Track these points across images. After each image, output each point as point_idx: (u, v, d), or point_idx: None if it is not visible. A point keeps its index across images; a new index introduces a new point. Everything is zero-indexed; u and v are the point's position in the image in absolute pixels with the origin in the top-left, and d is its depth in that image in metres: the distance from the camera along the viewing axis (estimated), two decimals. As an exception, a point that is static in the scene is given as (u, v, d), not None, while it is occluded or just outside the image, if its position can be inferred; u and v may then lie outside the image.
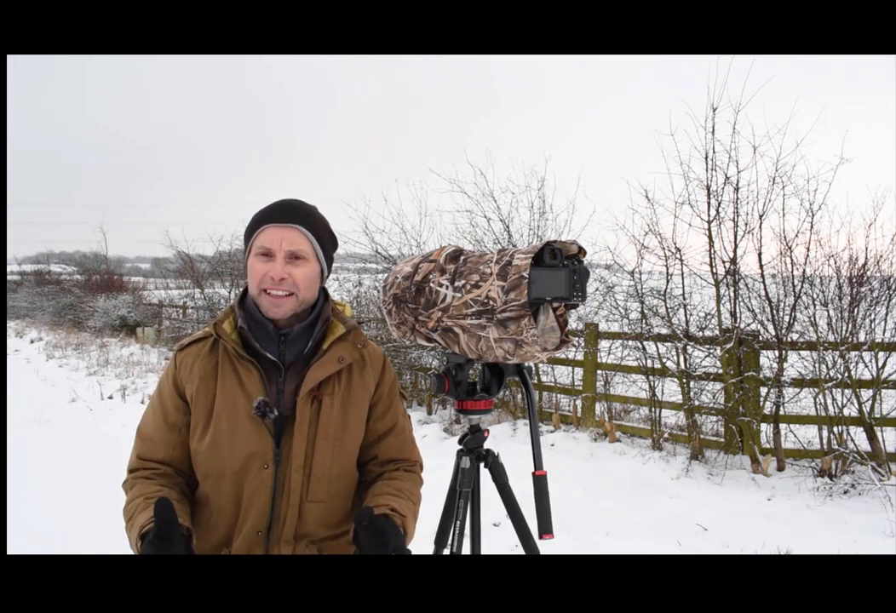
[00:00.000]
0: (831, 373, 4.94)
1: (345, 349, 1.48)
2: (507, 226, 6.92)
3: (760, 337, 5.22)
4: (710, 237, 5.38)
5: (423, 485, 1.59)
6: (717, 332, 5.39)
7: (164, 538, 1.16)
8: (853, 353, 4.87)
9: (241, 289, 1.52)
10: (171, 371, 1.47)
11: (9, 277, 26.83)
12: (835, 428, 4.92)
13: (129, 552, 1.31)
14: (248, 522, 1.39)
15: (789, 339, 5.13)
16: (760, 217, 5.24)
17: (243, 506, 1.39)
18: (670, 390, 5.88)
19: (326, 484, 1.43)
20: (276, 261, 1.40)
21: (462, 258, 1.64)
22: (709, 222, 5.36)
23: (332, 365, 1.45)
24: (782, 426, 5.22)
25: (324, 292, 1.54)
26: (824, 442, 5.00)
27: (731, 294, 5.32)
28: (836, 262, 5.11)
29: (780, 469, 5.11)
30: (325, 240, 1.49)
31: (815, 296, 5.11)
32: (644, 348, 5.82)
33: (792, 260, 5.16)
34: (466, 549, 1.70)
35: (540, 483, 1.54)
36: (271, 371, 1.43)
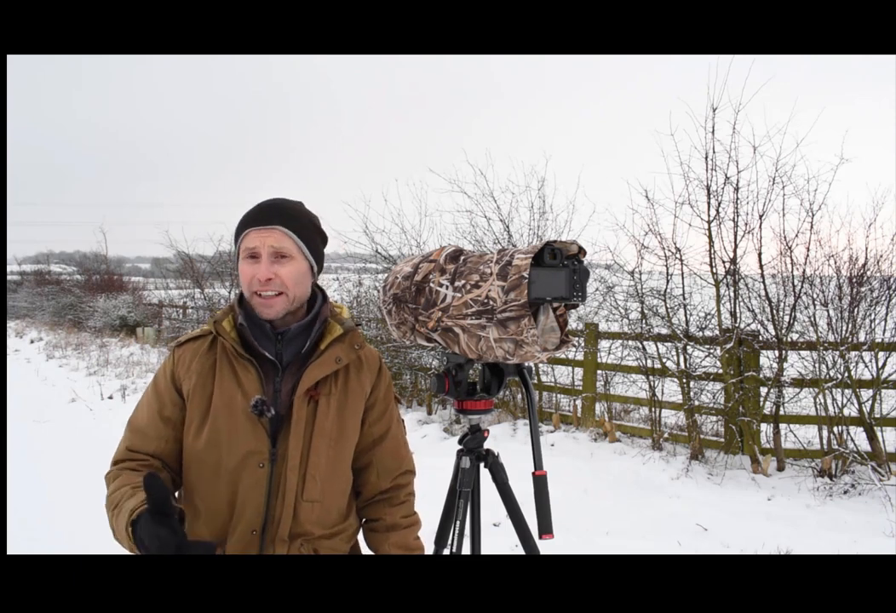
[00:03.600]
0: (831, 373, 4.94)
1: (342, 350, 1.47)
2: (507, 226, 6.92)
3: (760, 337, 5.22)
4: (710, 237, 5.38)
5: (415, 497, 1.63)
6: (717, 332, 5.39)
7: (161, 513, 1.14)
8: (853, 353, 4.87)
9: (239, 289, 1.52)
10: (168, 365, 1.47)
11: (9, 277, 26.82)
12: (835, 428, 4.92)
13: (127, 553, 1.30)
14: (243, 521, 1.38)
15: (789, 339, 5.13)
16: (760, 217, 5.24)
17: (238, 505, 1.39)
18: (670, 390, 5.88)
19: (321, 484, 1.43)
20: (262, 262, 1.40)
21: (462, 258, 1.64)
22: (709, 222, 5.36)
23: (329, 366, 1.44)
24: (782, 426, 5.22)
25: (321, 292, 1.54)
26: (824, 442, 5.00)
27: (731, 294, 5.32)
28: (836, 262, 5.11)
29: (780, 469, 5.11)
30: (311, 235, 1.47)
31: (815, 296, 5.11)
32: (644, 348, 5.82)
33: (792, 260, 5.16)
34: (466, 549, 1.70)
35: (540, 483, 1.54)
36: (269, 370, 1.43)
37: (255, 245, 1.41)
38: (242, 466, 1.38)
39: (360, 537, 1.61)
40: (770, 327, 5.22)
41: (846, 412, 4.93)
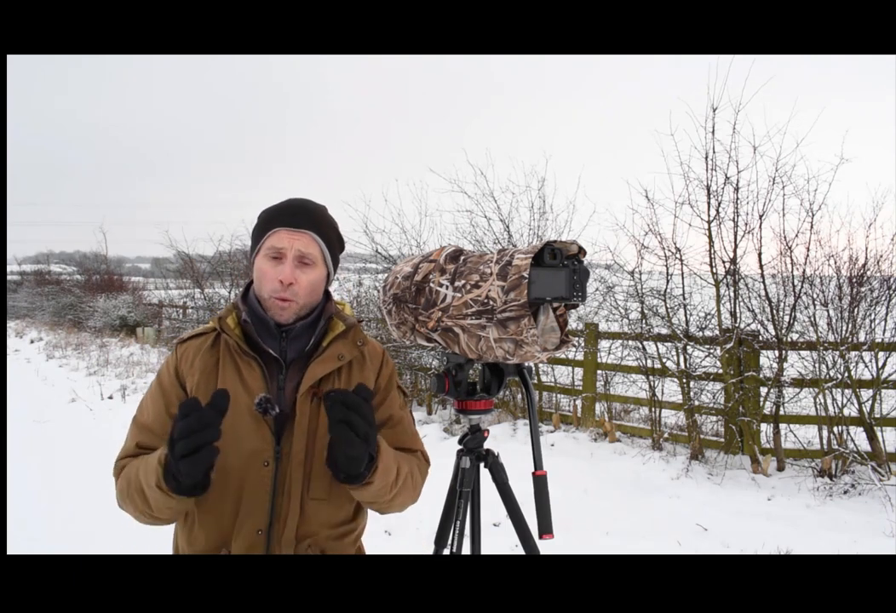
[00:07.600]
0: (831, 373, 4.94)
1: (345, 346, 1.48)
2: (507, 226, 6.92)
3: (760, 337, 5.22)
4: (710, 237, 5.38)
5: (428, 473, 1.56)
6: (717, 332, 5.39)
7: (218, 411, 1.15)
8: (853, 353, 4.87)
9: (241, 289, 1.52)
10: (171, 362, 1.46)
11: (9, 277, 26.83)
12: (835, 428, 4.92)
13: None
14: (249, 520, 1.37)
15: (789, 339, 5.13)
16: (760, 217, 5.24)
17: (243, 504, 1.38)
18: (670, 390, 5.88)
19: (328, 482, 1.41)
20: (286, 265, 1.40)
21: (462, 258, 1.64)
22: (709, 222, 5.36)
23: (332, 363, 1.44)
24: (782, 426, 5.22)
25: (326, 292, 1.54)
26: (824, 442, 5.00)
27: (731, 294, 5.32)
28: (836, 262, 5.11)
29: (780, 469, 5.11)
30: (334, 243, 1.49)
31: (815, 296, 5.11)
32: (644, 348, 5.82)
33: (792, 260, 5.16)
34: (466, 549, 1.70)
35: (540, 483, 1.54)
36: (272, 368, 1.43)
37: (283, 246, 1.40)
38: (247, 465, 1.38)
39: (362, 539, 1.60)
40: (770, 327, 5.22)
41: (846, 412, 4.93)
